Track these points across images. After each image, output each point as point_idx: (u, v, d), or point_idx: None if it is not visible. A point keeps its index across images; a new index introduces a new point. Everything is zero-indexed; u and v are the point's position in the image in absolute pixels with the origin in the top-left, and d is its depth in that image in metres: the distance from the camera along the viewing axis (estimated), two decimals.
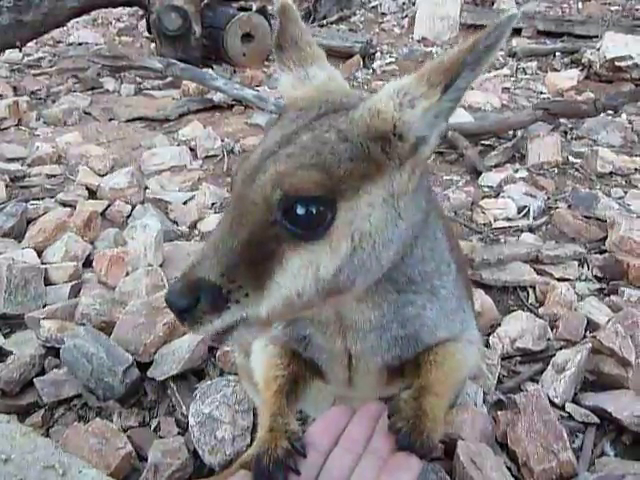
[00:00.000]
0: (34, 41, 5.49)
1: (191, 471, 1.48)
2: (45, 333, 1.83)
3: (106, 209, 2.78)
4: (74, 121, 4.11)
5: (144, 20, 6.32)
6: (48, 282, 2.17)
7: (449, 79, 0.73)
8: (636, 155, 3.48)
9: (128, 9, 6.72)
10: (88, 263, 2.34)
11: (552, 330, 1.99)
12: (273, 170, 0.76)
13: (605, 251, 2.46)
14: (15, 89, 4.67)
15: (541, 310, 2.10)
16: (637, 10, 5.70)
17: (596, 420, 1.59)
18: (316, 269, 0.76)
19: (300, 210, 0.74)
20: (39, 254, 2.33)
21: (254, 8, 5.55)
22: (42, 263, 2.28)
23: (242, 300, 0.75)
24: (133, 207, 2.80)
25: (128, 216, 2.76)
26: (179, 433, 1.60)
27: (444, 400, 0.90)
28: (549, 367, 1.79)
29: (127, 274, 2.17)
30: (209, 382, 1.64)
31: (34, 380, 1.70)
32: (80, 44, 6.09)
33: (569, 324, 1.97)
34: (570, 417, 1.63)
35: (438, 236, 0.95)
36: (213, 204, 2.89)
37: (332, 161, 0.75)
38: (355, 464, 0.81)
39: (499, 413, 1.59)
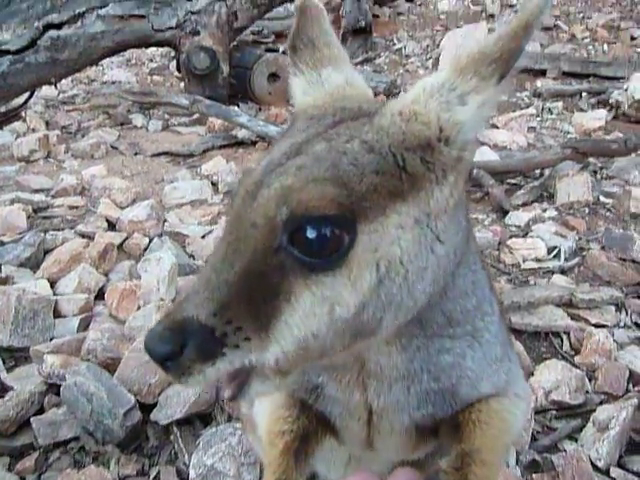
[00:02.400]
0: (70, 79, 5.69)
1: None
2: (47, 368, 1.75)
3: (124, 241, 2.74)
4: (101, 155, 4.17)
5: (175, 60, 6.54)
6: (58, 314, 2.11)
7: (504, 68, 0.62)
8: None
9: (160, 50, 6.94)
10: (101, 296, 2.29)
11: (590, 382, 1.82)
12: (278, 184, 0.62)
13: None
14: (47, 124, 4.80)
15: (577, 359, 1.94)
16: None
17: None
18: (332, 307, 0.62)
19: (310, 233, 0.60)
20: (52, 285, 2.29)
21: (281, 50, 5.66)
22: (54, 294, 2.23)
23: (242, 345, 0.61)
24: (150, 240, 2.76)
25: (145, 249, 2.71)
26: None
27: (493, 470, 0.74)
28: (589, 424, 1.62)
29: (138, 308, 2.10)
30: (214, 429, 1.53)
31: (31, 419, 1.61)
32: (113, 82, 6.29)
33: (609, 375, 1.80)
34: None
35: (479, 266, 0.80)
36: None
37: (352, 175, 0.62)
38: None
39: (534, 476, 1.43)
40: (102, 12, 4.70)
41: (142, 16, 4.84)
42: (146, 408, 1.65)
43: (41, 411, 1.68)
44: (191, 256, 2.67)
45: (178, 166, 4.03)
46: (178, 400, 1.64)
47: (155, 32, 4.94)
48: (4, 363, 1.89)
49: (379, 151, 0.64)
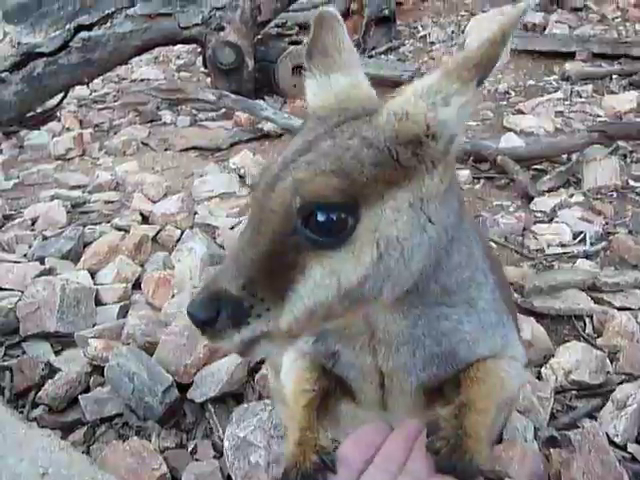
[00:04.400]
0: (101, 78, 5.88)
1: None
2: (92, 352, 1.89)
3: (157, 234, 2.87)
4: (133, 151, 4.32)
5: (201, 56, 6.67)
6: (99, 302, 2.25)
7: (483, 72, 0.72)
8: None
9: (187, 47, 7.08)
10: (137, 285, 2.41)
11: (612, 363, 1.85)
12: (292, 178, 0.74)
13: None
14: (81, 122, 4.99)
15: (599, 341, 1.96)
16: None
17: None
18: (339, 278, 0.73)
19: (320, 217, 0.72)
20: (92, 275, 2.43)
21: (304, 41, 5.71)
22: (95, 284, 2.37)
23: (263, 314, 0.73)
24: (182, 232, 2.88)
25: (178, 240, 2.83)
26: (215, 457, 1.58)
27: (488, 418, 0.82)
28: (608, 403, 1.66)
29: (173, 296, 2.22)
30: (246, 406, 1.63)
31: (79, 397, 1.74)
32: (142, 80, 6.46)
33: (631, 356, 1.83)
34: (633, 459, 1.49)
35: (473, 243, 0.90)
36: None
37: (354, 167, 0.73)
38: None
39: (552, 451, 1.48)
40: (130, 12, 4.85)
41: (169, 14, 4.96)
42: (183, 387, 1.77)
43: (87, 390, 1.81)
44: (221, 246, 2.78)
45: (206, 160, 4.15)
46: (212, 380, 1.75)
47: (182, 30, 5.05)
48: (52, 347, 2.03)
49: (376, 146, 0.75)
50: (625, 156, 3.62)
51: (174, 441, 1.64)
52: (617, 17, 6.14)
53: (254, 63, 5.31)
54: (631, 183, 3.28)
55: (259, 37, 5.58)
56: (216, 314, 0.72)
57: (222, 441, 1.58)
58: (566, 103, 4.76)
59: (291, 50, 5.42)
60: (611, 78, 5.03)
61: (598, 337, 2.01)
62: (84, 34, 4.76)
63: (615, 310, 2.09)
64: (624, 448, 1.51)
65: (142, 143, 4.48)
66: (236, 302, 0.72)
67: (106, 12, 4.88)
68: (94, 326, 2.11)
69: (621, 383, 1.74)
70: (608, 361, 1.84)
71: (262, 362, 1.88)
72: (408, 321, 0.86)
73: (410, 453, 0.77)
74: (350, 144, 0.75)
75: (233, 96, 4.37)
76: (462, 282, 0.87)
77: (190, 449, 1.63)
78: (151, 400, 1.67)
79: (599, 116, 4.51)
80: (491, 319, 0.91)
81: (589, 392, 1.76)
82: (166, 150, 4.38)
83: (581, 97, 4.89)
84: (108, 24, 4.83)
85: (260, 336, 0.74)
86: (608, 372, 1.81)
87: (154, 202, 3.24)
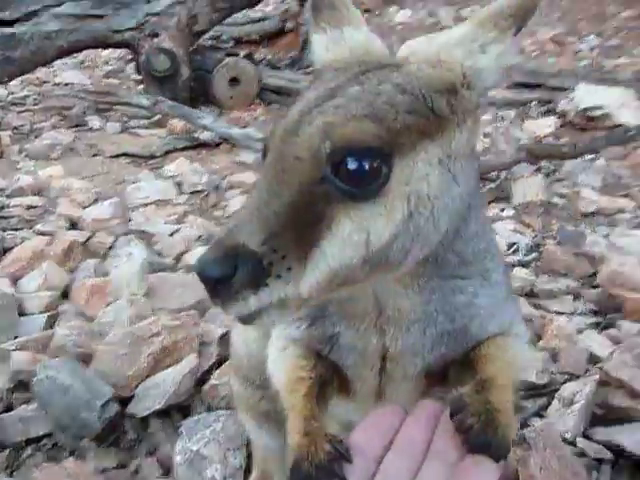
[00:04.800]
0: (19, 80, 5.48)
1: None
2: (14, 366, 1.69)
3: (87, 240, 2.67)
4: (57, 156, 4.04)
5: (132, 63, 6.42)
6: (22, 312, 2.03)
7: (521, 21, 0.71)
8: (617, 196, 3.55)
9: (116, 53, 6.81)
10: (66, 294, 2.21)
11: (554, 363, 1.92)
12: (320, 121, 0.67)
13: (597, 286, 2.45)
14: None
15: (540, 343, 2.04)
16: (605, 65, 6.01)
17: (610, 456, 1.50)
18: (368, 234, 0.66)
19: (352, 164, 0.65)
20: (14, 283, 2.20)
21: (242, 54, 5.68)
22: (17, 293, 2.14)
23: (284, 275, 0.64)
24: (116, 238, 2.70)
25: (110, 247, 2.65)
26: (162, 475, 1.45)
27: (509, 394, 0.78)
28: (554, 401, 1.71)
29: (108, 304, 2.05)
30: (196, 417, 1.51)
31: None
32: (66, 84, 6.09)
33: (571, 357, 1.90)
34: (582, 454, 1.53)
35: (485, 214, 0.87)
36: (200, 236, 2.80)
37: (388, 113, 0.68)
38: (415, 471, 0.69)
39: None
40: (57, 11, 4.58)
41: (99, 16, 4.75)
42: (122, 401, 1.62)
43: (10, 409, 1.61)
44: (159, 254, 2.63)
45: (139, 167, 3.96)
46: (157, 392, 1.61)
47: (113, 33, 4.85)
48: None
49: (411, 92, 0.70)
50: (548, 175, 3.89)
51: (114, 460, 1.49)
52: (535, 50, 6.66)
53: (190, 72, 5.19)
54: (555, 200, 3.52)
55: (194, 47, 5.47)
56: (232, 271, 0.62)
57: (169, 457, 1.45)
58: (492, 126, 5.05)
59: (228, 61, 5.36)
60: (531, 105, 5.42)
61: (539, 340, 2.09)
62: (5, 30, 4.42)
63: (553, 314, 2.19)
64: (573, 444, 1.56)
65: (68, 148, 4.20)
66: (255, 258, 0.63)
67: (30, 9, 4.58)
68: (16, 338, 1.89)
69: (564, 382, 1.80)
70: (551, 362, 1.91)
71: (210, 371, 1.78)
72: (422, 296, 0.81)
73: (432, 435, 0.72)
74: (381, 89, 0.69)
75: (170, 102, 4.24)
76: (478, 252, 0.83)
77: (133, 469, 1.48)
78: (88, 416, 1.51)
79: (521, 139, 4.83)
80: (502, 293, 0.89)
81: (535, 392, 1.81)
82: (94, 156, 4.13)
83: (505, 121, 5.23)
84: (32, 21, 4.53)
85: (273, 303, 0.65)
86: (552, 372, 1.88)
87: (83, 208, 3.02)
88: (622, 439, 1.50)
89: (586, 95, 4.96)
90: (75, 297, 2.12)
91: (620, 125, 4.43)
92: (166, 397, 1.60)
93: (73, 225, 2.84)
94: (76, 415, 1.51)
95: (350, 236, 0.66)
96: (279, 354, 0.93)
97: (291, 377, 0.86)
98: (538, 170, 3.84)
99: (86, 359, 1.74)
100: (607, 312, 2.25)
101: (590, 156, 4.09)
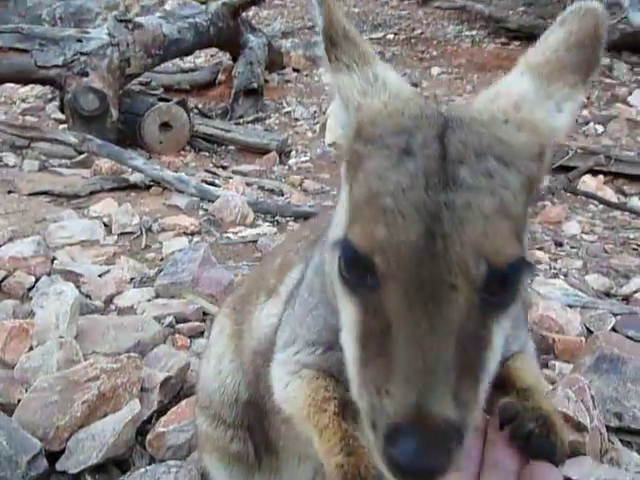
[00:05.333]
0: None
1: None
2: None
3: (3, 280, 2.42)
4: None
5: (52, 103, 6.14)
6: None
7: (587, 76, 0.67)
8: (533, 249, 3.85)
9: (36, 90, 6.49)
10: None
11: None
12: (468, 236, 0.56)
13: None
14: None
15: None
16: None
17: None
18: (506, 332, 0.62)
19: (509, 278, 0.59)
20: None
21: (174, 100, 5.64)
22: None
23: (471, 425, 0.56)
24: (37, 279, 2.47)
25: (30, 288, 2.42)
26: None
27: (551, 401, 0.78)
28: None
29: (31, 348, 1.84)
30: (143, 470, 1.35)
31: None
32: None
33: None
34: None
35: None
36: (132, 279, 2.64)
37: (510, 199, 0.59)
38: None
39: None
40: None
41: (25, 50, 4.54)
42: (52, 456, 1.42)
43: None
44: (87, 296, 2.43)
45: (61, 207, 3.70)
46: (92, 444, 1.44)
47: (38, 68, 4.64)
48: None
49: (513, 164, 0.61)
50: None
51: None
52: None
53: (119, 114, 5.05)
54: None
55: (124, 90, 5.37)
56: (449, 455, 0.53)
57: None
58: None
59: (160, 105, 5.29)
60: None
61: None
62: None
63: None
64: None
65: None
66: (460, 431, 0.54)
67: None
68: None
69: None
70: None
71: (150, 420, 1.63)
72: None
73: (482, 446, 0.69)
74: (491, 168, 0.59)
75: (99, 141, 4.07)
76: None
77: None
78: (10, 474, 1.30)
79: None
80: (522, 314, 0.89)
81: None
82: (10, 193, 3.83)
83: None
84: None
85: None
86: None
87: None
88: (571, 472, 1.54)
89: None
90: None
91: None
92: (103, 450, 1.43)
93: None
94: None
95: (502, 341, 0.61)
96: (293, 377, 0.86)
97: (315, 397, 0.80)
98: None
99: (6, 410, 1.52)
100: (539, 354, 2.37)
101: None
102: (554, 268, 3.53)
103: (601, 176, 5.50)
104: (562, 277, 3.37)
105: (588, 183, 5.39)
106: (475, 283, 0.57)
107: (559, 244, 4.09)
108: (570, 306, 2.77)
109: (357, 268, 0.60)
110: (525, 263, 0.60)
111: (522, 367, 0.84)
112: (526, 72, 0.67)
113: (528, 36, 9.92)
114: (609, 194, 5.35)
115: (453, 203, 0.57)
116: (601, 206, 5.11)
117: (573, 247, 4.08)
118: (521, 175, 0.61)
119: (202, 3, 6.31)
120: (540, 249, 3.83)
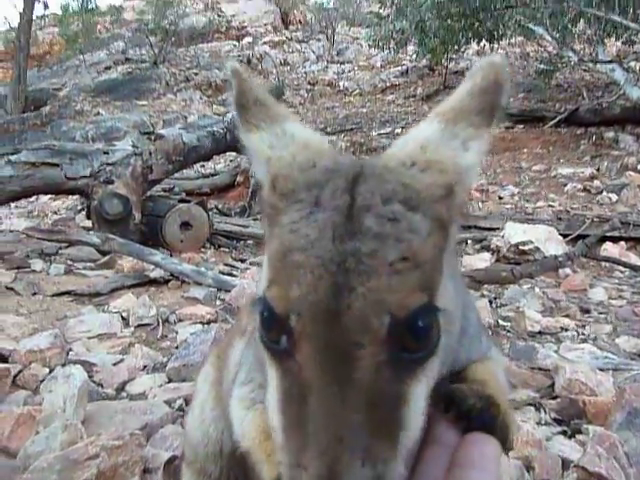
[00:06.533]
0: None
1: None
2: None
3: (17, 375, 2.43)
4: None
5: (81, 213, 6.54)
6: None
7: (490, 118, 0.67)
8: (558, 316, 3.74)
9: (67, 203, 6.95)
10: None
11: (528, 471, 1.81)
12: (367, 290, 0.55)
13: (556, 396, 2.44)
14: None
15: (511, 453, 1.94)
16: (526, 207, 6.74)
17: None
18: (430, 385, 0.59)
19: (417, 330, 0.56)
20: None
21: (193, 202, 5.95)
22: None
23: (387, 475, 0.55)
24: (51, 370, 2.48)
25: (43, 380, 2.42)
26: None
27: (505, 396, 0.73)
28: None
29: (37, 433, 1.81)
30: None
31: None
32: (11, 231, 6.06)
33: (545, 463, 1.82)
34: None
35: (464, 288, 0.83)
36: (145, 366, 2.63)
37: (417, 244, 0.58)
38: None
39: None
40: (13, 158, 4.74)
41: (55, 164, 4.94)
42: None
43: None
44: (99, 384, 2.42)
45: (82, 305, 3.80)
46: None
47: (67, 180, 5.01)
48: None
49: (419, 207, 0.60)
50: (491, 302, 4.08)
51: None
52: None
53: (141, 216, 5.33)
54: (501, 322, 3.64)
55: (147, 195, 5.71)
56: None
57: None
58: None
59: (180, 206, 5.58)
60: (467, 243, 5.87)
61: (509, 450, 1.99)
62: None
63: (519, 421, 2.12)
64: None
65: (5, 287, 4.02)
66: None
67: None
68: None
69: None
70: (524, 470, 1.81)
71: None
72: None
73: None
74: (395, 212, 0.58)
75: (120, 239, 4.26)
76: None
77: None
78: None
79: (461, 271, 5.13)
80: (476, 329, 0.85)
81: None
82: (34, 294, 3.96)
83: None
84: None
85: None
86: None
87: (17, 342, 2.80)
88: None
89: (515, 232, 5.48)
90: None
91: (549, 256, 4.84)
92: None
93: (4, 360, 2.60)
94: None
95: (422, 400, 0.59)
96: (248, 412, 0.85)
97: (266, 427, 0.77)
98: (482, 296, 4.03)
99: None
100: (570, 419, 2.21)
101: (527, 285, 4.39)
102: (582, 334, 3.39)
103: (622, 242, 5.46)
104: (591, 342, 3.23)
105: (610, 251, 5.36)
106: (379, 339, 0.55)
107: (586, 311, 3.97)
108: (601, 369, 2.63)
109: (275, 329, 0.58)
110: (435, 310, 0.58)
111: (479, 367, 0.81)
112: (434, 119, 0.69)
113: (531, 119, 10.43)
114: (633, 259, 5.27)
115: (359, 251, 0.56)
116: (627, 272, 5.01)
117: (601, 313, 3.95)
118: (429, 217, 0.60)
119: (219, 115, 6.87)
120: (566, 316, 3.72)
